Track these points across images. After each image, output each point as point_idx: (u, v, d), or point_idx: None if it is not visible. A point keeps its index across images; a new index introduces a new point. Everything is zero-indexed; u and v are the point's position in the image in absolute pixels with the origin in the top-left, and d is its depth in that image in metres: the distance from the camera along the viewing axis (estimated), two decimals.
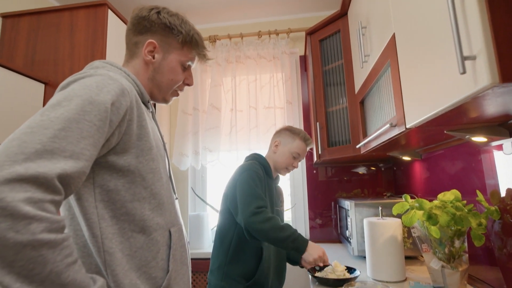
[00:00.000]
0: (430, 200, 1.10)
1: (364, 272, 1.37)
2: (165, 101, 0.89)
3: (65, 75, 1.56)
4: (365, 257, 1.59)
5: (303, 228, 2.25)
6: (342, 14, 1.81)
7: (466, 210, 1.01)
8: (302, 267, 1.37)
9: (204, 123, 2.32)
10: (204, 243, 2.15)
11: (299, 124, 2.35)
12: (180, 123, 2.35)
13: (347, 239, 1.74)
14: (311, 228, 2.22)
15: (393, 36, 1.04)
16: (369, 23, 1.35)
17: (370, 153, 1.57)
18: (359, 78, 1.57)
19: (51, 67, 1.60)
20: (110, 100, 0.62)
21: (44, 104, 1.54)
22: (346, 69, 1.77)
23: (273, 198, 1.43)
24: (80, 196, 0.63)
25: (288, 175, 2.34)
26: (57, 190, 0.51)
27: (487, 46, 0.55)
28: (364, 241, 1.54)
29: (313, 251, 1.22)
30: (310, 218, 2.24)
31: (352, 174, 2.25)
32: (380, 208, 1.41)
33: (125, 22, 1.76)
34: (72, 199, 0.65)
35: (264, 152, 1.54)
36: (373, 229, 1.28)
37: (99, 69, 0.72)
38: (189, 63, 0.87)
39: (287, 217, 2.30)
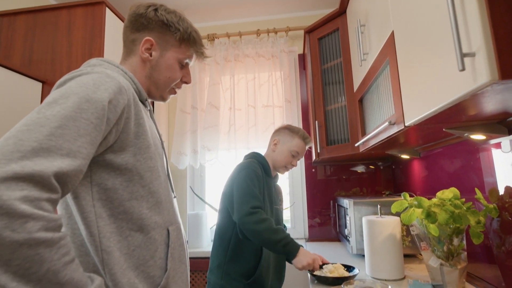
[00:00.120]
0: (429, 198, 1.10)
1: (363, 271, 1.37)
2: (163, 99, 0.88)
3: (63, 74, 1.55)
4: (364, 256, 1.59)
5: (302, 226, 2.25)
6: (341, 12, 1.81)
7: (465, 208, 1.01)
8: (311, 270, 1.36)
9: (202, 122, 2.31)
10: (203, 242, 2.15)
11: (298, 123, 2.34)
12: (179, 122, 2.34)
13: (346, 238, 1.75)
14: (310, 226, 2.22)
15: (392, 34, 1.04)
16: (368, 21, 1.35)
17: (369, 151, 1.57)
18: (358, 76, 1.57)
19: (49, 66, 1.59)
20: (107, 98, 0.61)
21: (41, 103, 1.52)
22: (345, 67, 1.77)
23: (272, 196, 1.43)
24: (77, 195, 0.63)
25: (287, 173, 2.34)
26: (53, 188, 0.50)
27: (487, 42, 0.55)
28: (363, 240, 1.54)
29: (304, 257, 1.21)
30: (309, 217, 2.24)
31: (351, 172, 2.25)
32: (379, 206, 1.41)
33: (122, 20, 1.75)
34: (69, 197, 0.64)
35: (263, 151, 1.54)
36: (372, 227, 1.28)
37: (96, 67, 0.71)
38: (187, 60, 0.86)
39: (286, 216, 2.30)
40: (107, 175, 0.65)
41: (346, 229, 1.71)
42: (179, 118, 2.35)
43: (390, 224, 1.25)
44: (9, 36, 1.65)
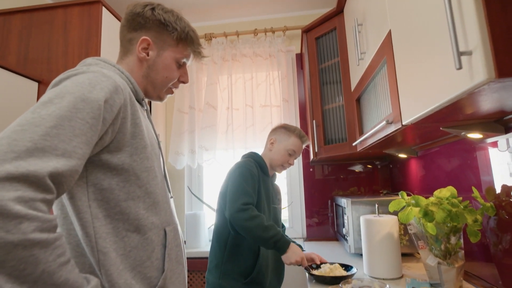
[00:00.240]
0: (426, 197, 1.10)
1: (361, 270, 1.37)
2: (160, 98, 0.88)
3: (59, 74, 1.54)
4: (361, 255, 1.59)
5: (300, 226, 2.25)
6: (338, 11, 1.81)
7: (462, 207, 1.02)
8: (299, 265, 1.37)
9: (200, 122, 2.31)
10: (201, 242, 2.15)
11: (295, 122, 2.34)
12: (176, 122, 2.34)
13: (343, 237, 1.75)
14: (308, 226, 2.22)
15: (389, 33, 1.04)
16: (365, 20, 1.35)
17: (367, 150, 1.57)
18: (355, 75, 1.57)
19: (45, 65, 1.58)
20: (103, 97, 0.61)
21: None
22: (342, 66, 1.77)
23: (270, 195, 1.43)
24: (73, 195, 0.62)
25: (284, 173, 2.34)
26: (48, 189, 0.50)
27: (483, 41, 0.55)
28: (360, 239, 1.54)
29: (292, 254, 1.24)
30: (307, 216, 2.24)
31: (349, 172, 2.25)
32: (376, 205, 1.41)
33: (119, 20, 1.74)
34: (64, 198, 0.64)
35: (260, 151, 1.54)
36: (370, 226, 1.28)
37: (92, 66, 0.71)
38: (184, 60, 0.86)
39: (284, 216, 2.30)
40: (103, 176, 0.64)
41: (344, 229, 1.71)
42: (177, 118, 2.34)
43: (388, 223, 1.25)
44: (4, 36, 1.64)
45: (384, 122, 1.06)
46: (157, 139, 0.81)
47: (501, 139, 0.96)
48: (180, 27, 0.82)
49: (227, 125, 2.27)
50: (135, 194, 0.68)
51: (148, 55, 0.81)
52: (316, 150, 1.85)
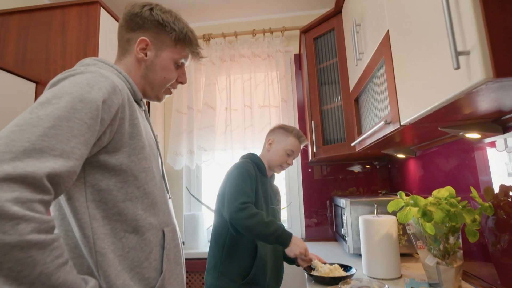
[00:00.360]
0: (425, 197, 1.11)
1: (360, 270, 1.37)
2: (158, 99, 0.87)
3: (57, 74, 1.52)
4: (360, 255, 1.59)
5: (298, 226, 2.25)
6: (337, 12, 1.81)
7: (461, 207, 1.02)
8: (298, 265, 1.37)
9: (198, 122, 2.31)
10: (200, 242, 2.14)
11: (294, 123, 2.34)
12: (175, 122, 2.33)
13: (342, 237, 1.75)
14: (307, 226, 2.22)
15: (387, 33, 1.04)
16: (363, 20, 1.35)
17: (365, 151, 1.57)
18: (354, 76, 1.57)
19: (43, 66, 1.57)
20: (101, 98, 0.61)
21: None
22: (341, 67, 1.77)
23: (268, 196, 1.43)
24: (71, 196, 0.62)
25: (283, 173, 2.34)
26: (46, 189, 0.50)
27: (481, 41, 0.55)
28: (359, 239, 1.54)
29: (295, 247, 1.25)
30: (305, 217, 2.24)
31: (347, 172, 2.25)
32: (375, 205, 1.41)
33: (117, 20, 1.74)
34: (62, 199, 0.63)
35: (259, 151, 1.54)
36: (369, 226, 1.28)
37: (90, 66, 0.70)
38: (182, 60, 0.85)
39: (283, 216, 2.30)
40: (101, 176, 0.64)
41: (342, 229, 1.71)
42: (175, 118, 2.34)
43: (387, 223, 1.25)
44: (2, 36, 1.63)
45: (382, 122, 1.06)
46: (155, 139, 0.81)
47: (499, 139, 0.96)
48: (178, 27, 0.82)
49: (225, 125, 2.27)
50: (133, 194, 0.67)
51: (146, 55, 0.81)
52: (315, 151, 1.85)
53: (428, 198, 1.09)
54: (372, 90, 1.29)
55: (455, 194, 1.07)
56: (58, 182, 0.52)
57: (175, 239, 0.77)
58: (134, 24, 0.80)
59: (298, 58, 2.42)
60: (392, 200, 1.17)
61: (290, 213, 2.30)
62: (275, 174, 1.55)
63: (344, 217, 1.67)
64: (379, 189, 2.20)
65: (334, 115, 1.82)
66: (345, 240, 1.67)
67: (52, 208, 0.67)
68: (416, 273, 1.28)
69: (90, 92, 0.60)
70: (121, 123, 0.66)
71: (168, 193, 0.82)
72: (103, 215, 0.64)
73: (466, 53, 0.58)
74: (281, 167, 1.47)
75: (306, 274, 1.32)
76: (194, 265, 2.06)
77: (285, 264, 2.01)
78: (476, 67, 0.56)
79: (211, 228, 1.49)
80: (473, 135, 1.02)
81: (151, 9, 0.81)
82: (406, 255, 1.56)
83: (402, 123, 0.95)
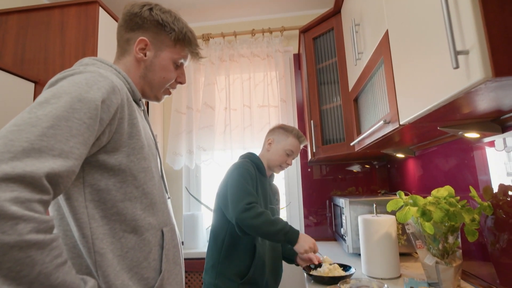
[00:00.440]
0: (424, 197, 1.11)
1: (359, 270, 1.37)
2: (157, 99, 0.87)
3: (56, 74, 1.52)
4: (360, 255, 1.59)
5: (298, 226, 2.25)
6: (336, 11, 1.81)
7: (460, 206, 1.02)
8: (297, 265, 1.37)
9: (198, 122, 2.31)
10: (199, 242, 2.14)
11: (293, 123, 2.34)
12: (174, 122, 2.33)
13: (342, 237, 1.75)
14: (306, 226, 2.22)
15: (386, 33, 1.04)
16: (363, 20, 1.35)
17: (364, 150, 1.58)
18: (353, 75, 1.57)
19: (41, 66, 1.57)
20: (100, 97, 0.60)
21: None
22: (340, 67, 1.77)
23: (267, 196, 1.43)
24: (69, 196, 0.62)
25: (282, 173, 2.34)
26: (45, 189, 0.49)
27: (480, 40, 0.55)
28: (359, 239, 1.54)
29: (304, 242, 1.24)
30: (305, 216, 2.24)
31: (347, 172, 2.25)
32: (374, 205, 1.41)
33: (116, 20, 1.74)
34: (61, 199, 0.63)
35: (258, 151, 1.54)
36: (368, 226, 1.28)
37: (89, 66, 0.70)
38: (182, 61, 0.85)
39: (282, 216, 2.29)
40: (100, 176, 0.64)
41: (342, 229, 1.71)
42: (174, 118, 2.34)
43: (386, 223, 1.25)
44: (1, 36, 1.63)
45: (381, 122, 1.06)
46: (154, 139, 0.81)
47: (498, 139, 0.96)
48: (178, 27, 0.82)
49: (225, 125, 2.27)
50: (132, 194, 0.67)
51: (145, 55, 0.81)
52: (314, 150, 1.85)
53: (427, 197, 1.09)
54: (371, 89, 1.29)
55: (454, 193, 1.08)
56: (57, 182, 0.52)
57: (174, 239, 0.77)
58: (133, 24, 0.80)
59: (297, 58, 2.42)
60: (391, 200, 1.17)
61: (290, 213, 2.30)
62: (275, 173, 1.55)
63: (343, 217, 1.67)
64: (379, 188, 2.20)
65: (334, 115, 1.83)
66: (344, 239, 1.67)
67: (51, 208, 0.67)
68: (415, 273, 1.28)
69: (89, 92, 0.60)
70: (120, 123, 0.65)
71: (167, 193, 0.82)
72: (102, 215, 0.64)
73: (465, 52, 0.58)
74: (281, 167, 1.47)
75: (305, 273, 1.32)
76: (193, 265, 2.06)
77: (284, 263, 2.01)
78: (475, 67, 0.56)
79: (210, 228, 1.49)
80: (472, 135, 1.03)
81: (151, 9, 0.81)
82: (405, 255, 1.56)
83: (401, 123, 0.95)
